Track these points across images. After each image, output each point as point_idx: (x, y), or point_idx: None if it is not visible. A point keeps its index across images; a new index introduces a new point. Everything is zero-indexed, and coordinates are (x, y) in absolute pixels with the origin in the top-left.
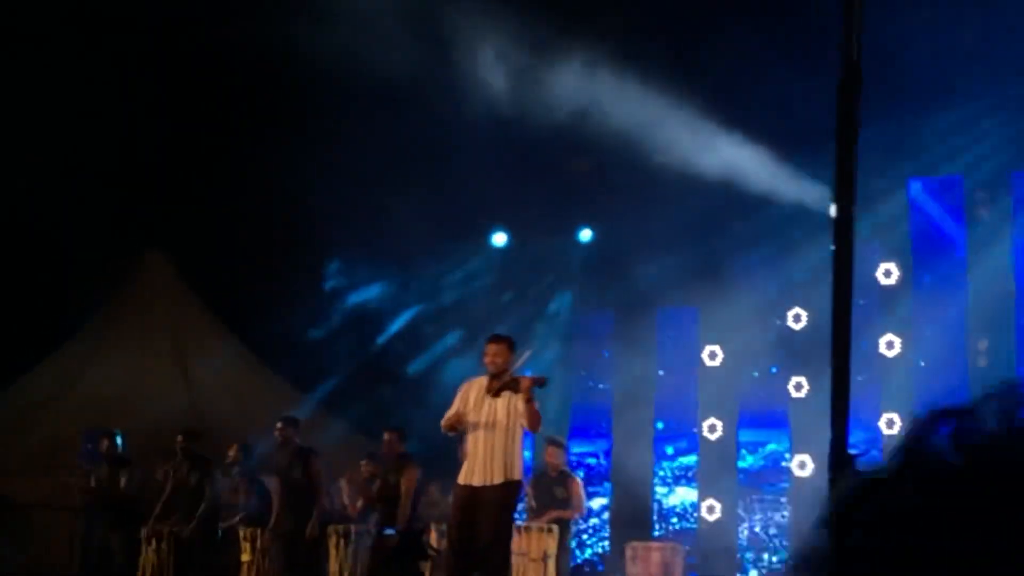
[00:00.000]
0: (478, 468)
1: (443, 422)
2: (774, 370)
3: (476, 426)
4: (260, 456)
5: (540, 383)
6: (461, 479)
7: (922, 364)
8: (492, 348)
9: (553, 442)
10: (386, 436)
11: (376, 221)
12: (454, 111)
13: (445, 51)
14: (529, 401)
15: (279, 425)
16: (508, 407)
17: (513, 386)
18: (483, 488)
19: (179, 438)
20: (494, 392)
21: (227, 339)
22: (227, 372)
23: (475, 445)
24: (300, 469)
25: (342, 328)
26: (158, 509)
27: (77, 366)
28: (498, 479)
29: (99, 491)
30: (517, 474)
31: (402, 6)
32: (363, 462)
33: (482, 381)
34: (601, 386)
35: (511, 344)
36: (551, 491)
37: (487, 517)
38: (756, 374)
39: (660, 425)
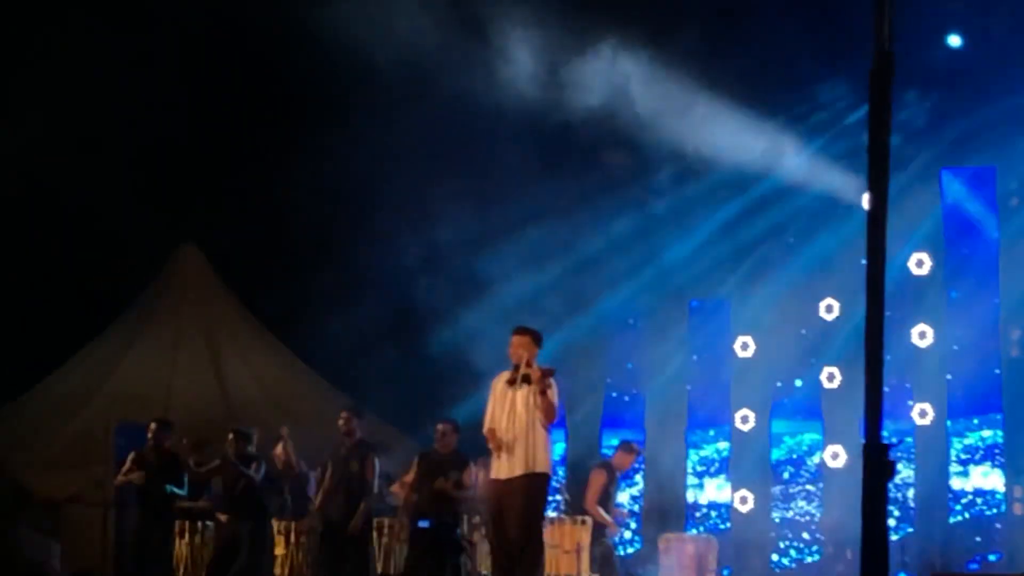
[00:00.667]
0: (504, 463)
1: (485, 431)
2: (811, 361)
3: (501, 420)
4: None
5: (549, 373)
6: (492, 473)
7: (954, 353)
8: (516, 340)
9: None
10: (440, 427)
11: (416, 214)
12: (492, 101)
13: (482, 41)
14: (543, 393)
15: (344, 414)
16: (527, 400)
17: (528, 378)
18: (509, 481)
19: (230, 437)
20: (515, 384)
21: (261, 334)
22: (260, 368)
23: (501, 439)
24: (358, 462)
25: (381, 324)
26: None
27: (110, 360)
28: (519, 471)
29: (147, 484)
30: (540, 466)
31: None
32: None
33: (506, 375)
34: (633, 377)
35: (536, 336)
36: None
37: (513, 511)
38: (789, 363)
39: (692, 416)
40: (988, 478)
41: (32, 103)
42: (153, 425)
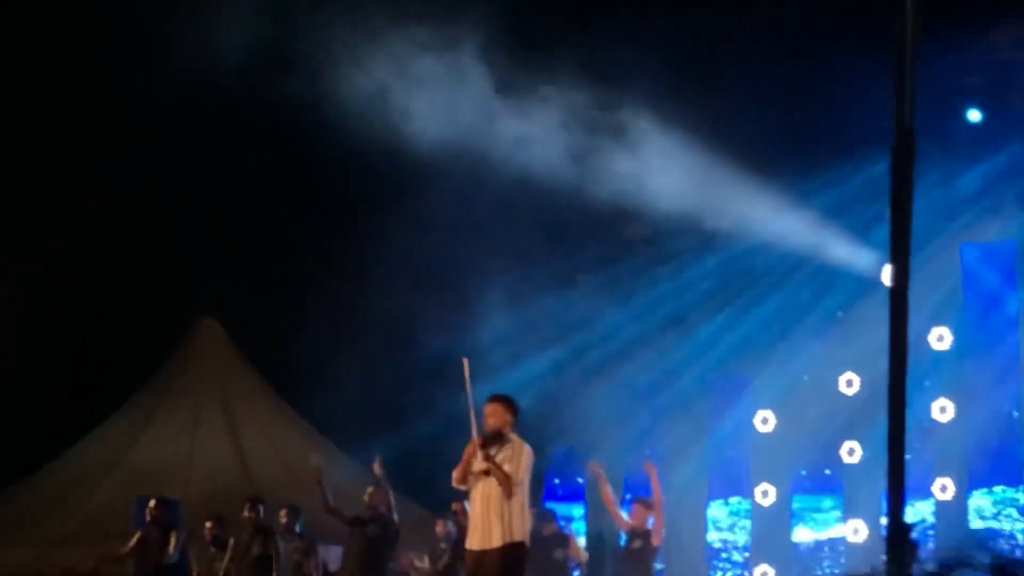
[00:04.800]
0: (477, 532)
1: (454, 477)
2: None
3: (476, 492)
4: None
5: (504, 440)
6: (467, 543)
7: (975, 429)
8: (488, 408)
9: (639, 500)
10: (453, 506)
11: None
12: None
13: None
14: (493, 468)
15: (370, 490)
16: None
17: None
18: (484, 552)
19: (246, 506)
20: (484, 455)
21: (280, 408)
22: (279, 441)
23: (475, 510)
24: (377, 527)
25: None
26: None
27: (129, 434)
28: (496, 543)
29: (146, 556)
30: (518, 535)
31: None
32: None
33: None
34: (650, 451)
35: (507, 404)
36: (630, 544)
37: None
38: (809, 438)
39: (711, 490)
40: (1007, 522)
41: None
42: (152, 503)
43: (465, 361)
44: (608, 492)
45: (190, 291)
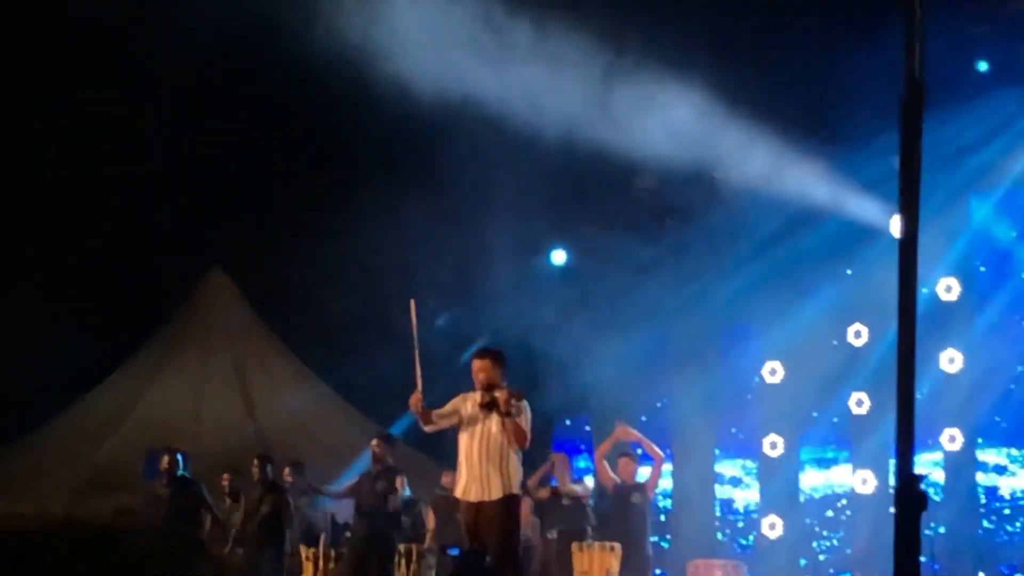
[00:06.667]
0: (474, 484)
1: (414, 404)
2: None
3: (471, 441)
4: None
5: (518, 396)
6: (459, 492)
7: (984, 378)
8: (476, 364)
9: (626, 454)
10: None
11: (442, 249)
12: (521, 135)
13: (512, 73)
14: (508, 415)
15: (375, 442)
16: (501, 422)
17: (494, 404)
18: (482, 504)
19: (255, 462)
20: (485, 408)
21: (288, 359)
22: (288, 393)
23: (470, 460)
24: (384, 483)
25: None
26: (231, 536)
27: (137, 386)
28: (496, 495)
29: (157, 510)
30: (516, 487)
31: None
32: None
33: (476, 396)
34: (660, 403)
35: (496, 358)
36: (628, 498)
37: (491, 534)
38: (818, 389)
39: (721, 441)
40: (1014, 478)
41: (58, 133)
42: (166, 457)
43: (413, 302)
44: (607, 447)
45: (198, 243)
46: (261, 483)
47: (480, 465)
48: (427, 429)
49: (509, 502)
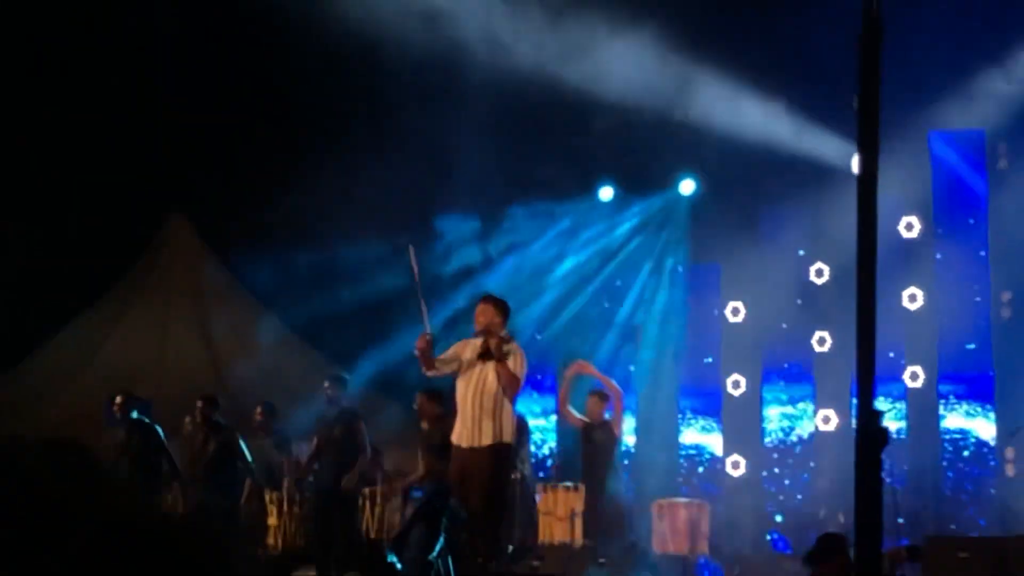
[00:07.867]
0: (467, 429)
1: (420, 347)
2: (796, 325)
3: (467, 387)
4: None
5: (507, 339)
6: (453, 438)
7: (945, 316)
8: (478, 308)
9: (594, 392)
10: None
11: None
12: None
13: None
14: (501, 360)
15: (326, 384)
16: (496, 372)
17: (491, 351)
18: (475, 450)
19: (198, 404)
20: (482, 357)
21: (250, 304)
22: (250, 337)
23: (465, 406)
24: (342, 429)
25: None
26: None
27: (99, 333)
28: (487, 441)
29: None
30: (507, 436)
31: None
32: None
33: (476, 343)
34: (625, 343)
35: (499, 305)
36: (590, 436)
37: (477, 481)
38: (780, 328)
39: (683, 381)
40: (976, 420)
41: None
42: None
43: (411, 248)
44: (566, 387)
45: (158, 188)
46: (204, 424)
47: (473, 412)
48: (428, 374)
49: (499, 450)
